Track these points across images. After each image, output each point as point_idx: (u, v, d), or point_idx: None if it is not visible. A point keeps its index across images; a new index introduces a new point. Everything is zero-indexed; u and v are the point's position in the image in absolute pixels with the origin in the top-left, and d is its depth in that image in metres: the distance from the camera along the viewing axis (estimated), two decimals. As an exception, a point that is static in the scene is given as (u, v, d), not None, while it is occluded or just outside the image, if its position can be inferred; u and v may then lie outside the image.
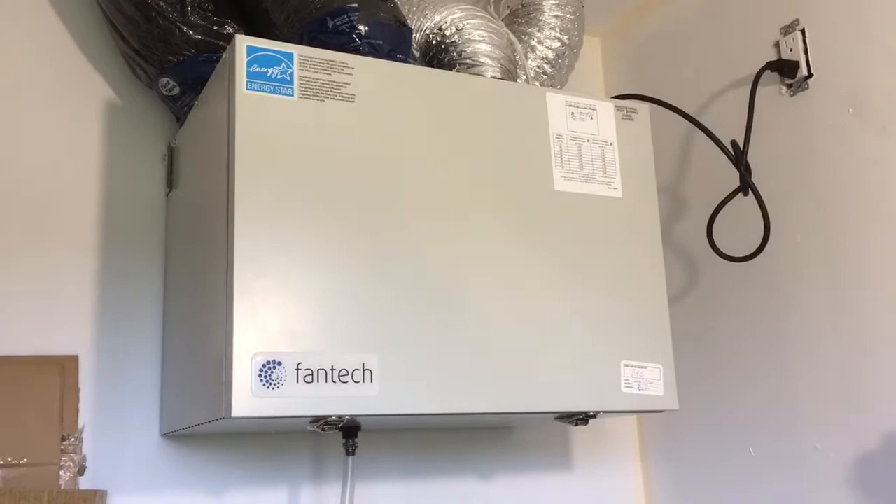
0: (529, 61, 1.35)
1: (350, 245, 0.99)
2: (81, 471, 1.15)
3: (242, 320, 0.92)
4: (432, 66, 1.22)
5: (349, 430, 1.11)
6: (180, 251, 1.21)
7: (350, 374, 0.95)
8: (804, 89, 1.29)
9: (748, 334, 1.34)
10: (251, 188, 0.96)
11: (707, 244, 1.28)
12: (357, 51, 1.08)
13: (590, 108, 1.19)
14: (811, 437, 1.23)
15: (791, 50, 1.31)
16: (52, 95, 1.26)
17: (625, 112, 1.22)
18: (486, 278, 1.06)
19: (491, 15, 1.28)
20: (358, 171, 1.02)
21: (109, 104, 1.29)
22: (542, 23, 1.38)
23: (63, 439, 1.15)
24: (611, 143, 1.19)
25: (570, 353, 1.08)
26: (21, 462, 1.11)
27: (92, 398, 1.19)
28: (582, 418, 1.11)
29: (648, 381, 1.12)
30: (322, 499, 1.27)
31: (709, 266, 1.41)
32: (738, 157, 1.24)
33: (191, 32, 1.15)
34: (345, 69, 1.04)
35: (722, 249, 1.28)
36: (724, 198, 1.26)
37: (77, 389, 1.17)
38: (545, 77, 1.36)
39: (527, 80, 1.30)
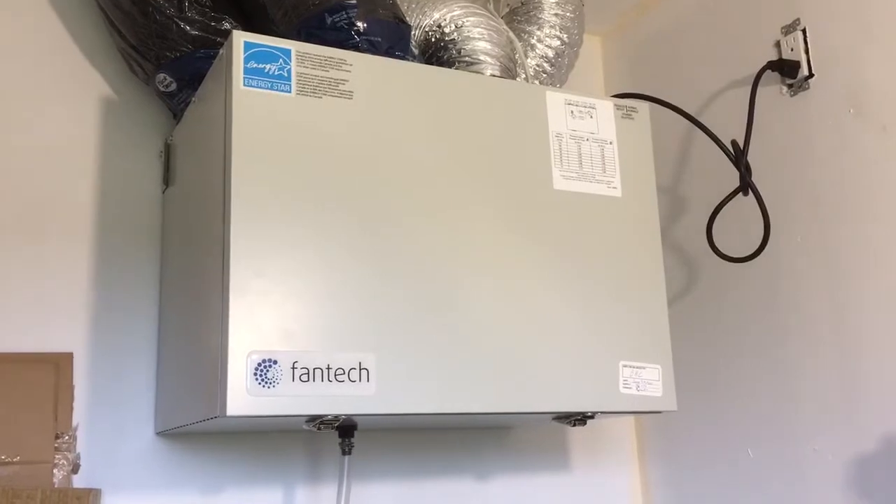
0: (529, 60, 1.34)
1: (347, 243, 0.98)
2: (75, 469, 1.15)
3: (238, 318, 0.91)
4: (431, 63, 1.21)
5: (345, 429, 1.10)
6: (176, 248, 1.20)
7: (346, 373, 0.94)
8: (805, 89, 1.28)
9: (747, 335, 1.34)
10: (248, 185, 0.95)
11: (706, 244, 1.28)
12: (355, 48, 1.07)
13: (589, 107, 1.18)
14: (810, 438, 1.23)
15: (792, 50, 1.30)
16: (49, 91, 1.25)
17: (625, 111, 1.21)
18: (485, 277, 1.05)
19: (490, 13, 1.28)
20: (356, 169, 1.01)
21: (106, 100, 1.28)
22: (541, 21, 1.37)
23: (57, 437, 1.14)
24: (610, 143, 1.18)
25: (569, 353, 1.08)
26: (14, 460, 1.10)
27: (86, 396, 1.18)
28: (580, 419, 1.11)
29: (647, 381, 1.12)
30: (318, 498, 1.26)
31: (708, 266, 1.41)
32: (739, 156, 1.23)
33: (188, 28, 1.14)
34: (343, 66, 1.03)
35: (722, 250, 1.27)
36: (724, 198, 1.26)
37: (71, 387, 1.17)
38: (545, 76, 1.35)
39: (526, 79, 1.30)
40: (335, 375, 0.94)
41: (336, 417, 0.95)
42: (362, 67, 1.04)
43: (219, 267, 0.95)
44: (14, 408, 1.12)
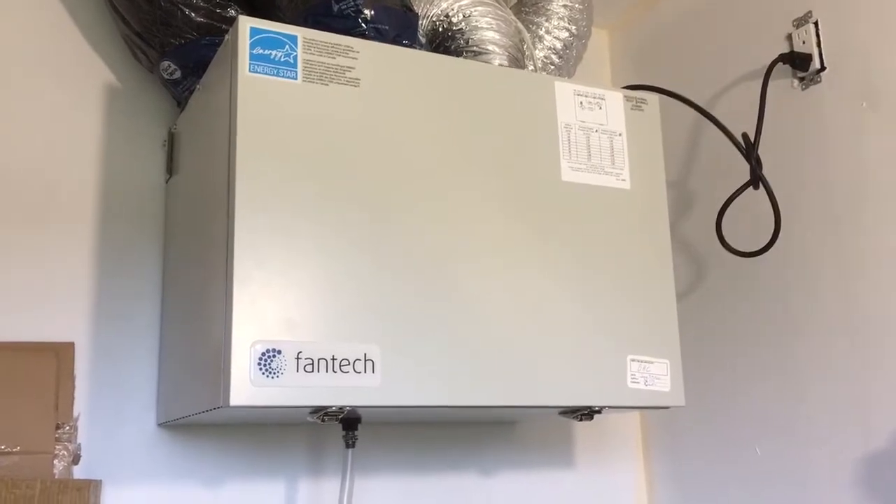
0: (537, 51, 1.32)
1: (353, 233, 0.97)
2: (76, 460, 1.13)
3: (242, 308, 0.90)
4: (438, 53, 1.20)
5: (349, 422, 1.09)
6: (180, 238, 1.19)
7: (351, 364, 0.93)
8: (817, 83, 1.27)
9: (756, 330, 1.32)
10: (252, 173, 0.94)
11: (716, 239, 1.26)
12: (362, 35, 1.06)
13: (599, 98, 1.17)
14: (820, 436, 1.21)
15: (804, 42, 1.28)
16: (52, 79, 1.24)
17: (634, 102, 1.19)
18: (491, 269, 1.04)
19: (498, 3, 1.26)
20: (361, 158, 1.00)
21: (110, 88, 1.27)
22: (550, 12, 1.35)
23: (57, 427, 1.13)
24: (619, 134, 1.17)
25: (576, 347, 1.06)
26: (14, 450, 1.09)
27: (88, 386, 1.17)
28: (587, 413, 1.09)
29: (655, 376, 1.10)
30: (320, 491, 1.25)
31: (717, 261, 1.39)
32: (749, 149, 1.22)
33: (193, 15, 1.13)
34: (350, 53, 1.01)
35: (731, 244, 1.25)
36: (734, 191, 1.24)
37: (72, 377, 1.15)
38: (552, 68, 1.34)
39: (534, 70, 1.28)
40: (340, 366, 0.92)
41: (340, 409, 0.93)
42: (369, 55, 1.02)
43: (222, 256, 0.94)
44: (14, 397, 1.11)
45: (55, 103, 1.23)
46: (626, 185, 1.15)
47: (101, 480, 1.13)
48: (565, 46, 1.36)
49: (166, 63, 1.17)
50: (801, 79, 1.29)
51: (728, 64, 1.41)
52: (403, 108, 1.04)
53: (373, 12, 1.07)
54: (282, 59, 0.98)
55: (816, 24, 1.27)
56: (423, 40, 1.20)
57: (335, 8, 1.06)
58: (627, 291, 1.11)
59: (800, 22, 1.29)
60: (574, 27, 1.37)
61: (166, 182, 1.27)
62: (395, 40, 1.10)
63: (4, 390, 1.11)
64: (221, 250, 0.94)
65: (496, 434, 1.40)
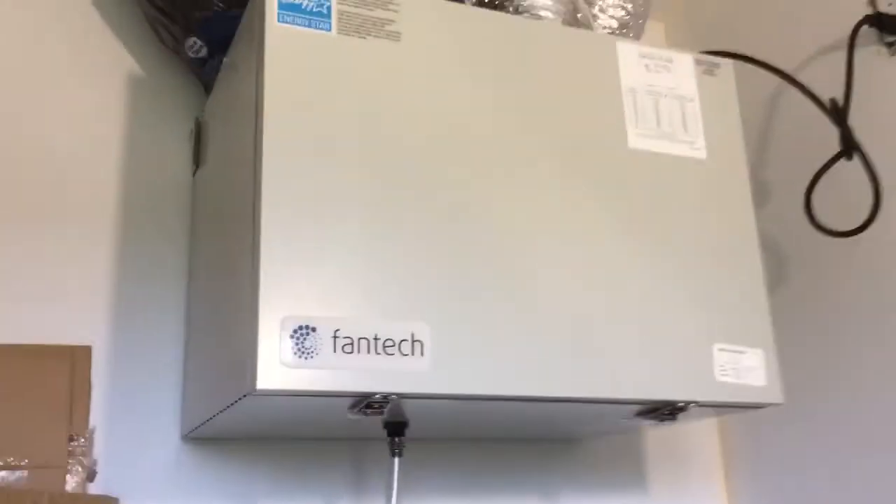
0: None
1: (395, 201, 0.85)
2: (91, 476, 1.01)
3: (270, 279, 0.78)
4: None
5: (395, 426, 0.95)
6: (206, 233, 1.08)
7: (397, 345, 0.80)
8: (908, 46, 1.13)
9: (858, 320, 1.15)
10: (282, 133, 0.82)
11: (802, 217, 1.12)
12: (403, -9, 0.96)
13: (666, 61, 1.05)
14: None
15: (890, 4, 1.16)
16: (72, 69, 1.15)
17: (706, 67, 1.07)
18: (555, 243, 0.91)
19: (550, -28, 1.16)
20: (405, 119, 0.88)
21: (133, 77, 1.18)
22: (604, -10, 1.25)
23: (71, 440, 1.01)
24: (691, 100, 1.04)
25: (656, 334, 0.92)
26: (22, 464, 0.97)
27: (105, 395, 1.05)
28: (668, 413, 0.94)
29: (748, 368, 0.95)
30: (364, 514, 1.11)
31: (805, 242, 1.22)
32: (840, 116, 1.08)
33: (219, -17, 1.04)
34: (389, 5, 0.91)
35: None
36: (826, 162, 1.10)
37: (89, 384, 1.04)
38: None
39: (591, 41, 1.16)
40: (384, 347, 0.79)
41: (385, 398, 0.80)
42: (411, 7, 0.92)
43: (249, 229, 0.82)
44: (23, 406, 1.00)
45: (76, 94, 1.15)
46: (702, 155, 1.02)
47: (117, 498, 1.00)
48: (622, 26, 1.25)
49: (192, 40, 1.08)
50: (889, 44, 1.16)
51: (807, 29, 1.27)
52: (449, 67, 0.92)
53: (414, -33, 0.96)
54: (314, 9, 0.87)
55: (905, -19, 1.14)
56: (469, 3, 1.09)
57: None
58: (709, 271, 0.97)
59: (885, -19, 1.17)
60: (630, 6, 1.26)
61: (193, 175, 1.17)
62: (440, -4, 0.99)
63: (12, 397, 1.00)
64: (248, 224, 0.82)
65: (560, 452, 1.25)
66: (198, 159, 1.15)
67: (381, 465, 0.98)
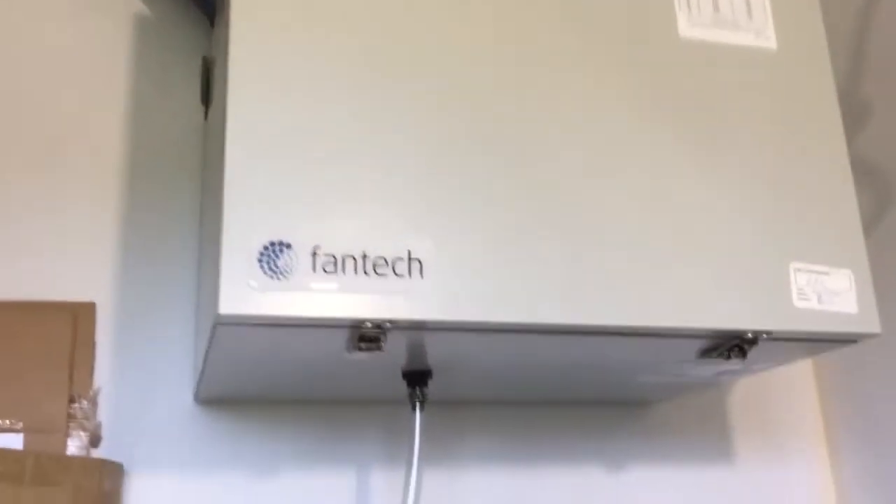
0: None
1: (389, 82, 0.72)
2: (95, 441, 0.92)
3: (236, 190, 0.66)
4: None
5: (416, 375, 0.83)
6: (214, 179, 0.98)
7: (390, 264, 0.67)
8: None
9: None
10: (250, 22, 0.71)
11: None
12: None
13: (723, -62, 0.88)
14: None
15: None
16: (71, 8, 1.08)
17: (773, -57, 0.90)
18: (592, 148, 0.76)
19: None
20: None
21: (137, 17, 1.10)
22: None
23: (72, 402, 0.93)
24: (756, -19, 0.88)
25: (719, 252, 0.77)
26: (17, 427, 0.90)
27: (110, 354, 0.97)
28: (737, 346, 0.78)
29: (833, 292, 0.78)
30: (396, 484, 0.98)
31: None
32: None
33: None
34: None
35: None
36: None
37: (93, 343, 0.96)
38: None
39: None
40: (374, 267, 0.67)
41: (379, 327, 0.67)
42: None
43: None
44: (21, 366, 0.92)
45: (76, 37, 1.07)
46: (772, 45, 0.86)
47: (121, 464, 0.92)
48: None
49: (190, -34, 0.99)
50: None
51: None
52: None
53: None
54: None
55: None
56: None
57: None
58: (785, 179, 0.81)
59: None
60: None
61: (205, 118, 1.07)
62: None
63: (9, 356, 0.92)
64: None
65: (626, 418, 1.10)
66: (206, 100, 1.06)
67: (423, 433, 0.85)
